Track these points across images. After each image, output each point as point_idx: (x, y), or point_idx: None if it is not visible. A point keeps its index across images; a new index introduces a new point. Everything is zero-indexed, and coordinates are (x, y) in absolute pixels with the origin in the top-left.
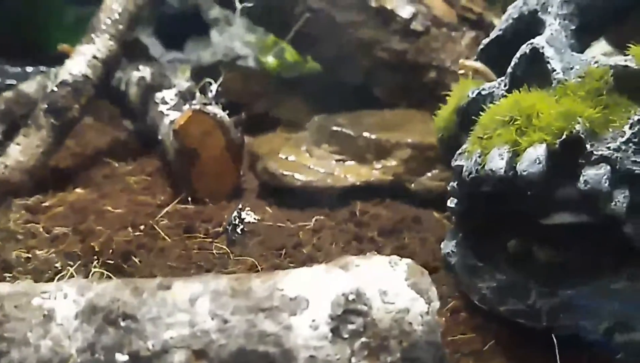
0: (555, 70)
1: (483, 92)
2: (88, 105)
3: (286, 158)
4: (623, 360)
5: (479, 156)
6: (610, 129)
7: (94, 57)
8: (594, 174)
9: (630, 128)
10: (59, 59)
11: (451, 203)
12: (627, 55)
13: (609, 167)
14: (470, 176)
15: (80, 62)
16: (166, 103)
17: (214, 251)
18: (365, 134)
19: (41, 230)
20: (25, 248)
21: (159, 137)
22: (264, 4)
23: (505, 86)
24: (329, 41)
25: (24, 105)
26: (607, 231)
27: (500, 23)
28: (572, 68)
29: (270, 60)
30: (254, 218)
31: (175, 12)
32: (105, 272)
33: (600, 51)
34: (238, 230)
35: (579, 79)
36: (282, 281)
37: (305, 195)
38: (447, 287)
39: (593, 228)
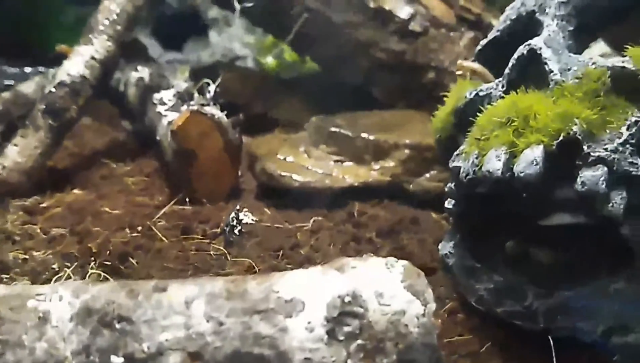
0: (552, 71)
1: (480, 93)
2: (86, 106)
3: (284, 159)
4: (620, 362)
5: (476, 157)
6: (608, 131)
7: (92, 58)
8: (591, 176)
9: (627, 130)
10: (59, 60)
11: (448, 204)
12: (625, 56)
13: (606, 168)
14: (468, 177)
15: (78, 62)
16: (164, 104)
17: (212, 253)
18: (364, 135)
19: (39, 231)
20: (22, 249)
21: (157, 138)
22: (262, 5)
23: (502, 87)
24: (327, 42)
25: (22, 106)
26: (604, 233)
27: (498, 24)
28: (569, 69)
29: (269, 61)
30: (252, 219)
31: (174, 13)
32: (103, 273)
33: (598, 52)
34: (236, 231)
35: (577, 80)
36: (277, 284)
37: (303, 196)
38: (445, 288)
39: (590, 229)
